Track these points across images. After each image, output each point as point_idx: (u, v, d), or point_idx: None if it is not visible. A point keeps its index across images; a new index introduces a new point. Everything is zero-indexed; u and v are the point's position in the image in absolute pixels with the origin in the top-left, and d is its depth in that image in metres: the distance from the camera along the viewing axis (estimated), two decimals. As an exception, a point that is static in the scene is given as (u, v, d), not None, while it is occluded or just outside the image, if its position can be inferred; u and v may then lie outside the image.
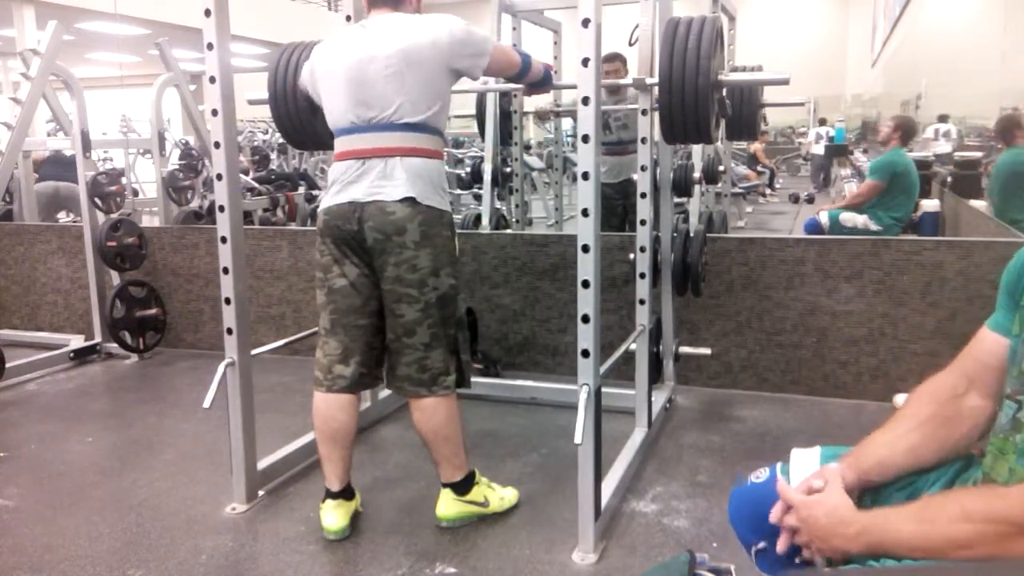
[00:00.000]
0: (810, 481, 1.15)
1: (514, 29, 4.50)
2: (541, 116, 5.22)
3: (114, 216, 4.17)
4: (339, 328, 2.24)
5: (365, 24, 2.19)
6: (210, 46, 2.23)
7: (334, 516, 2.25)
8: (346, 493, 2.30)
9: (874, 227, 4.90)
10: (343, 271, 2.21)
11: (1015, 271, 1.19)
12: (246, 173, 7.14)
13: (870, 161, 5.70)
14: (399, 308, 2.17)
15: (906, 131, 5.07)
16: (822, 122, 14.35)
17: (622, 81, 2.57)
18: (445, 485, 2.30)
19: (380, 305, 2.23)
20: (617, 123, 4.65)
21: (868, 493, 1.19)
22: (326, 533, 2.25)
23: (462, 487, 2.29)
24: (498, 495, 2.38)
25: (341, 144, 2.20)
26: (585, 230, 2.00)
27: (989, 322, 1.21)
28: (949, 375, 1.24)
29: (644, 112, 2.70)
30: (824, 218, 5.16)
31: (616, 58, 4.59)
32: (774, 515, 1.15)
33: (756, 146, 11.24)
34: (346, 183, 2.16)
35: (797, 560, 1.13)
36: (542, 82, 2.49)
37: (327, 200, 2.21)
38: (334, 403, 2.26)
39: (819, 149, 13.37)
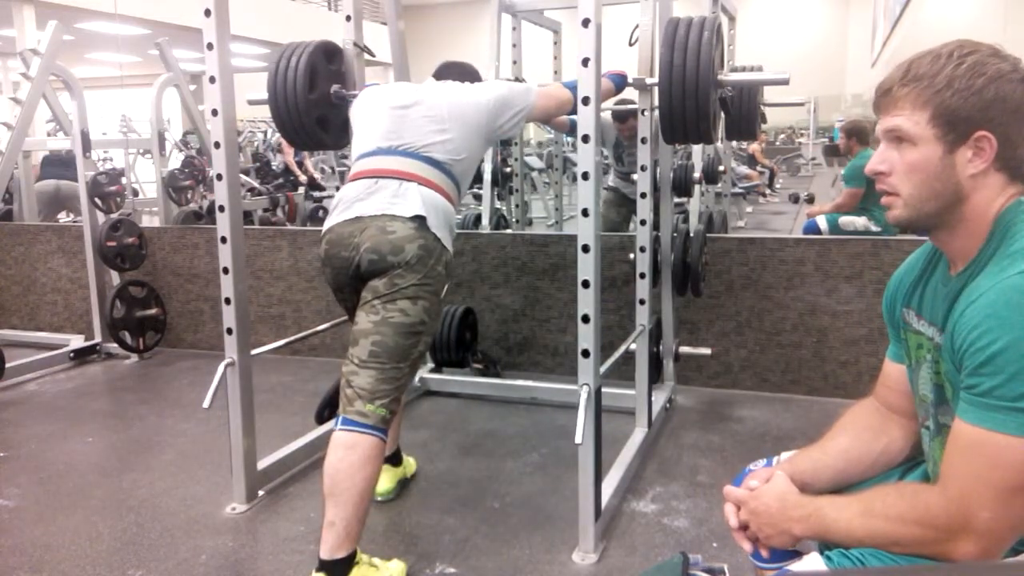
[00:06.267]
0: (748, 482, 1.21)
1: (514, 29, 4.50)
2: None
3: (114, 216, 4.17)
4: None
5: (421, 83, 2.32)
6: (210, 46, 2.23)
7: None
8: (392, 459, 2.40)
9: (874, 228, 4.89)
10: (343, 297, 2.16)
11: (887, 303, 1.27)
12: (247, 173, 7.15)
13: (843, 169, 5.70)
14: (359, 315, 2.01)
15: (859, 134, 5.04)
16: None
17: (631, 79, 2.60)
18: (323, 564, 1.86)
19: None
20: (630, 158, 4.68)
21: None
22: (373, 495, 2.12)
23: (342, 568, 1.86)
24: (384, 574, 2.00)
25: (357, 166, 2.13)
26: (585, 230, 2.00)
27: (888, 353, 1.28)
28: (872, 402, 1.31)
29: (644, 112, 2.70)
30: (823, 223, 5.15)
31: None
32: (729, 518, 1.20)
33: (754, 146, 11.23)
34: (353, 200, 2.04)
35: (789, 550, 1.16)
36: (614, 93, 2.56)
37: (328, 221, 2.09)
38: None
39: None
